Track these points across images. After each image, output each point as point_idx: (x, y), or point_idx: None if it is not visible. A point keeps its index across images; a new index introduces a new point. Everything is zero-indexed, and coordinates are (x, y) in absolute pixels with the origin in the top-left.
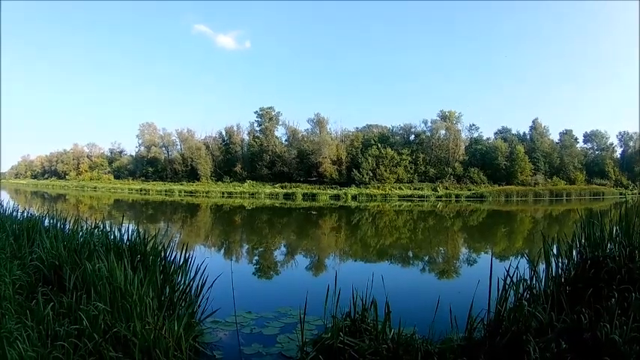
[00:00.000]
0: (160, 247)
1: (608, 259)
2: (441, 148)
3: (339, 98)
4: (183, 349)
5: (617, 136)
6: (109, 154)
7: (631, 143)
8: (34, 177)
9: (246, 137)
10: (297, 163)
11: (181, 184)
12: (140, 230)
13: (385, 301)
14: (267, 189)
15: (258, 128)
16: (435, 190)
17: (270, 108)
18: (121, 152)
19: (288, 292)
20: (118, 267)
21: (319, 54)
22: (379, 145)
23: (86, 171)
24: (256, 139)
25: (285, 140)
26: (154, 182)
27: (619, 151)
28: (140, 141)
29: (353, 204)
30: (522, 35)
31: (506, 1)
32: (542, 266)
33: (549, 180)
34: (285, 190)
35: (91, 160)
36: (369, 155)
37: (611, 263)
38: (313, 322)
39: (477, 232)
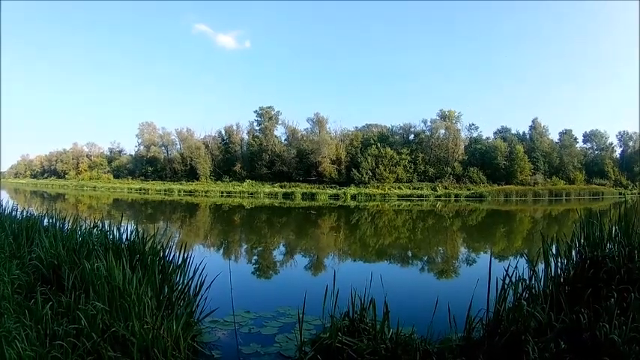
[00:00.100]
0: (159, 247)
1: (607, 259)
2: (440, 147)
3: (339, 98)
4: (182, 348)
5: (616, 136)
6: (108, 153)
7: (630, 143)
8: (34, 176)
9: (245, 137)
10: (297, 163)
11: (181, 184)
12: (139, 230)
13: (384, 300)
14: (267, 188)
15: (257, 128)
16: (434, 189)
17: (269, 107)
18: (120, 152)
19: (287, 292)
20: (116, 266)
21: (319, 54)
22: (378, 145)
23: (85, 170)
24: (256, 139)
25: (285, 140)
26: (154, 182)
27: (618, 151)
28: (139, 140)
29: (352, 203)
30: (522, 35)
31: (506, 1)
32: (541, 266)
33: (549, 180)
34: (284, 190)
35: (91, 160)
36: (369, 155)
37: (611, 263)
38: (312, 322)
39: (476, 231)
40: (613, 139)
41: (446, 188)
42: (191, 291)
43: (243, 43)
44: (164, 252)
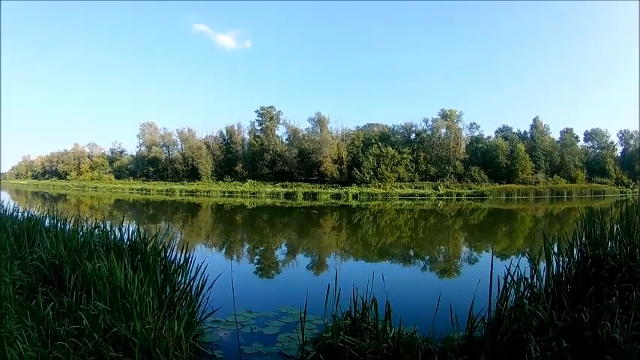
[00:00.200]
0: (161, 247)
1: (608, 258)
2: (441, 146)
3: (339, 98)
4: (184, 348)
5: (617, 134)
6: (109, 154)
7: (632, 142)
8: (35, 177)
9: (247, 136)
10: (298, 163)
11: (182, 184)
12: (140, 230)
13: (386, 300)
14: (268, 188)
15: (258, 127)
16: (435, 188)
17: (270, 107)
18: (121, 152)
19: (289, 292)
20: (118, 266)
21: (319, 54)
22: (380, 144)
23: (87, 171)
24: (257, 139)
25: (286, 139)
26: (155, 182)
27: (620, 149)
28: (141, 141)
29: (354, 203)
30: (522, 35)
31: (506, 1)
32: (542, 265)
33: (550, 178)
34: (286, 190)
35: (92, 160)
36: (370, 154)
37: (612, 262)
38: (314, 322)
39: (478, 230)
40: (614, 138)
41: (447, 187)
42: (193, 291)
43: (243, 43)
44: (166, 252)
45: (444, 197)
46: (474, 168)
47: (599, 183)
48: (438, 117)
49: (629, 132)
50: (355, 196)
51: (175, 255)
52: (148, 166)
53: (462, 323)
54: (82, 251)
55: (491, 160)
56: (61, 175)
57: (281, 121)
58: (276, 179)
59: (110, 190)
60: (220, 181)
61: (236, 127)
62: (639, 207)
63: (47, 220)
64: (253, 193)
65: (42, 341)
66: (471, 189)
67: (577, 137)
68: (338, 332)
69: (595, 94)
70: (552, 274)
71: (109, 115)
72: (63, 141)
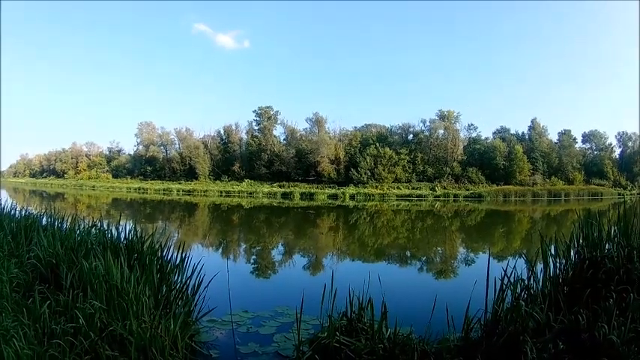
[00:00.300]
0: (157, 246)
1: (606, 260)
2: (439, 147)
3: (339, 98)
4: (180, 347)
5: (615, 136)
6: (107, 153)
7: (630, 144)
8: (33, 176)
9: (244, 136)
10: (296, 163)
11: (179, 183)
12: (137, 229)
13: (382, 300)
14: (265, 188)
15: (256, 127)
16: (433, 189)
17: (268, 107)
18: (119, 151)
19: (285, 292)
20: (114, 265)
21: (319, 54)
22: (377, 145)
23: (84, 170)
24: (255, 139)
25: (284, 139)
26: (153, 181)
27: (618, 151)
28: (139, 140)
29: (351, 203)
30: (522, 35)
31: (506, 1)
32: (539, 266)
33: (548, 180)
34: (283, 190)
35: (90, 159)
36: (368, 155)
37: (610, 264)
38: (310, 322)
39: (475, 231)
40: (612, 140)
41: (445, 188)
42: (189, 290)
43: (242, 43)
44: (162, 251)
45: (441, 198)
46: (471, 169)
47: (597, 185)
48: (436, 118)
49: (627, 134)
50: (352, 197)
51: (172, 254)
52: (145, 165)
53: (459, 324)
54: (78, 250)
55: (488, 161)
56: (59, 174)
57: (279, 121)
58: (273, 179)
59: (107, 189)
60: (218, 181)
61: (234, 127)
62: (637, 209)
63: (44, 219)
64: (250, 193)
65: (38, 339)
66: (468, 190)
67: (575, 139)
68: (334, 332)
69: (595, 95)
70: (549, 275)
71: (108, 115)
72: (62, 141)
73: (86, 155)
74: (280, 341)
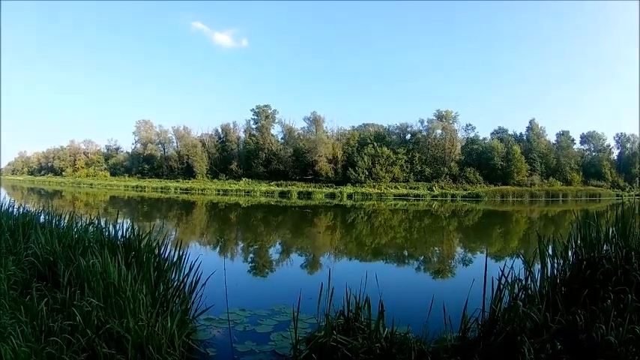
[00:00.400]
0: (155, 244)
1: (604, 260)
2: (437, 147)
3: (338, 98)
4: (177, 346)
5: (614, 137)
6: (105, 151)
7: (628, 145)
8: (31, 173)
9: (242, 135)
10: (293, 162)
11: (177, 182)
12: (135, 227)
13: (379, 300)
14: (263, 187)
15: (254, 126)
16: (430, 189)
17: (266, 106)
18: (117, 149)
19: (282, 290)
20: (111, 263)
21: (319, 54)
22: (375, 144)
23: (82, 168)
24: (252, 137)
25: (282, 138)
26: (150, 179)
27: (616, 152)
28: (136, 138)
29: (348, 203)
30: (522, 35)
31: (506, 1)
32: (537, 267)
33: (545, 181)
34: (280, 189)
35: (88, 157)
36: (365, 154)
37: (607, 264)
38: (307, 321)
39: (473, 232)
40: (610, 141)
41: (442, 188)
42: (186, 288)
43: (240, 42)
44: (160, 249)
45: (439, 198)
46: (469, 169)
47: (595, 186)
48: (434, 118)
49: (625, 135)
50: (350, 196)
51: (169, 252)
52: (143, 163)
53: (456, 324)
54: (76, 247)
55: (486, 161)
56: (57, 172)
57: (277, 120)
58: (270, 178)
59: (105, 187)
60: (215, 180)
61: (232, 126)
62: (635, 210)
63: (42, 216)
64: (248, 192)
65: (35, 337)
66: (465, 190)
67: (573, 140)
68: (331, 331)
69: (595, 95)
70: (547, 276)
71: (107, 114)
72: (61, 139)
73: (84, 153)
74: (277, 340)
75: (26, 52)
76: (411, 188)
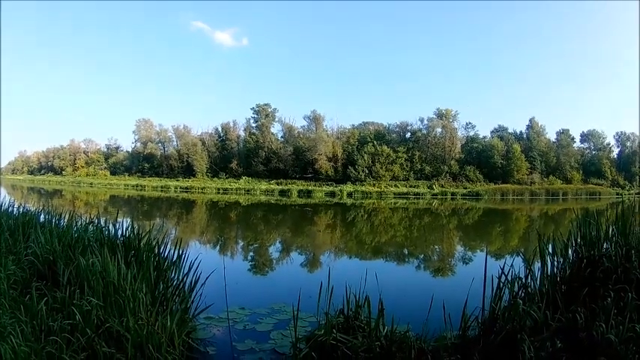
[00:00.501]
0: (154, 243)
1: (604, 259)
2: (437, 146)
3: (338, 98)
4: (176, 344)
5: (614, 136)
6: (105, 150)
7: (628, 143)
8: (31, 173)
9: (242, 134)
10: (293, 160)
11: (177, 180)
12: (134, 226)
13: (379, 298)
14: (263, 185)
15: (254, 125)
16: (430, 187)
17: (266, 104)
18: (117, 148)
19: (282, 289)
20: (111, 262)
21: (319, 54)
22: (375, 143)
23: (82, 167)
24: (252, 136)
25: (281, 137)
26: (150, 178)
27: (616, 151)
28: (136, 137)
29: (348, 201)
30: (522, 35)
31: (506, 1)
32: (537, 265)
33: (546, 179)
34: (280, 187)
35: (88, 156)
36: (365, 152)
37: (607, 262)
38: (307, 319)
39: (473, 230)
40: (610, 140)
41: (442, 186)
42: (186, 287)
43: (240, 41)
44: (159, 248)
45: (439, 196)
46: (469, 167)
47: (595, 184)
48: (434, 116)
49: (625, 134)
50: (350, 194)
51: (169, 251)
52: (143, 162)
53: (456, 322)
54: (76, 247)
55: (486, 159)
56: (57, 171)
57: (276, 119)
58: (270, 176)
59: (105, 186)
60: (215, 178)
61: (231, 124)
62: (635, 208)
63: (42, 216)
64: (248, 190)
65: (35, 336)
66: (465, 188)
67: (573, 138)
68: (330, 330)
69: (595, 95)
70: (547, 274)
71: (107, 114)
72: (61, 139)
73: (84, 152)
74: (277, 338)
75: (26, 52)
76: (411, 187)
